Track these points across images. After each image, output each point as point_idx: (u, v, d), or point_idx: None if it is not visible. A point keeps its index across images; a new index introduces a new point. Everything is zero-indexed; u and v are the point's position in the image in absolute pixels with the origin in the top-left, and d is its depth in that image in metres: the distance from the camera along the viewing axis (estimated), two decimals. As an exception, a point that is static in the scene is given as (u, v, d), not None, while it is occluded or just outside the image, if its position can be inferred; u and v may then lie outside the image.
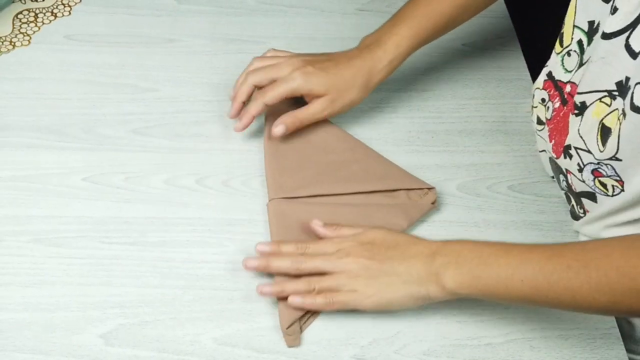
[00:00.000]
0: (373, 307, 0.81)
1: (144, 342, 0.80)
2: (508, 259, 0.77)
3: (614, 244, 0.76)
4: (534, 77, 1.07)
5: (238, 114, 0.96)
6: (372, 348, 0.82)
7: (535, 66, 1.08)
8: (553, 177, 0.97)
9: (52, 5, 1.11)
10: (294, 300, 0.81)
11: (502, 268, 0.77)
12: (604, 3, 0.82)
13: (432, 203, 0.92)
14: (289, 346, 0.81)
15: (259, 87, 0.95)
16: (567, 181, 0.90)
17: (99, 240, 0.87)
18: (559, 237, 0.92)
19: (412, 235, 0.86)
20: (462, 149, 1.00)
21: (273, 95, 0.93)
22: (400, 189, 0.93)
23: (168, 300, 0.83)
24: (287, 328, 0.81)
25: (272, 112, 0.98)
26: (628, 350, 0.85)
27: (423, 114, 1.03)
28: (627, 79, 0.77)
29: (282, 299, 0.82)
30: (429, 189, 0.93)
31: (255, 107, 0.94)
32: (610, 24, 0.78)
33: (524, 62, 1.11)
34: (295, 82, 0.93)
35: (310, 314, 0.83)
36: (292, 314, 0.81)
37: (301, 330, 0.82)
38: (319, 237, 0.87)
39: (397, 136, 1.01)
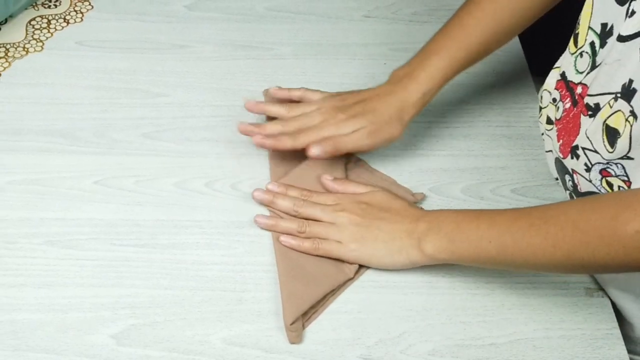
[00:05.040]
0: (354, 259, 0.87)
1: (154, 342, 0.81)
2: (478, 222, 0.82)
3: (574, 202, 0.80)
4: (537, 81, 1.08)
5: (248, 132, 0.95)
6: (378, 348, 0.83)
7: (538, 71, 1.09)
8: (557, 179, 0.97)
9: (64, 12, 1.13)
10: (285, 240, 0.88)
11: (473, 231, 0.81)
12: (619, 6, 0.81)
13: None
14: (291, 342, 0.82)
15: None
16: (573, 181, 0.90)
17: (110, 242, 0.88)
18: (562, 239, 0.93)
19: (408, 202, 0.90)
20: (467, 153, 1.01)
21: (303, 141, 0.92)
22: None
23: (178, 301, 0.84)
24: (290, 324, 0.82)
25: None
26: (627, 351, 0.86)
27: (428, 118, 1.04)
28: (631, 81, 0.77)
29: (287, 296, 0.84)
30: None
31: (282, 144, 0.92)
32: (627, 27, 0.78)
33: (527, 68, 1.11)
34: (326, 133, 0.92)
35: (313, 310, 0.84)
36: (296, 310, 0.82)
37: (303, 327, 0.83)
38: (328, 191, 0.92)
39: (403, 140, 1.00)
